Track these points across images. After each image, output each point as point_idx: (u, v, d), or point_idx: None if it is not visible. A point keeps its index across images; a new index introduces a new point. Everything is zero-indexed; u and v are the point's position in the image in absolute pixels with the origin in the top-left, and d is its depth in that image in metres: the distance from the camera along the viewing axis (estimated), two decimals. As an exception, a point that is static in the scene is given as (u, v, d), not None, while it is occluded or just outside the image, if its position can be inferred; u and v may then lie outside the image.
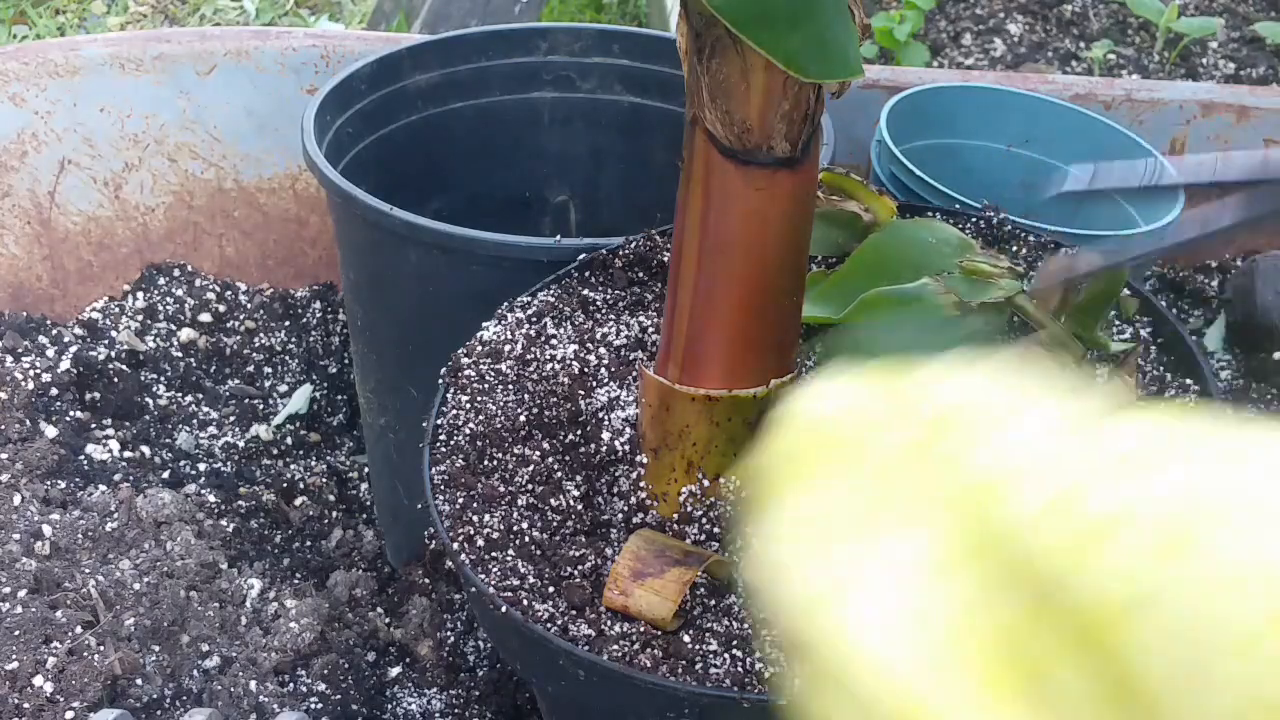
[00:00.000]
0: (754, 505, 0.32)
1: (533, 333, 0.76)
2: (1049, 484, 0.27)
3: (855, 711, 0.27)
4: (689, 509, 0.63)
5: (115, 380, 1.18)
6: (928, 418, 0.29)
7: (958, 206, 0.92)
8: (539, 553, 0.64)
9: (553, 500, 0.66)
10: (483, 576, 0.62)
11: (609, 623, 0.60)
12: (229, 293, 1.32)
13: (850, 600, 0.28)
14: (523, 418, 0.70)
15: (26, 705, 0.83)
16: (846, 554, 0.29)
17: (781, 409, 0.32)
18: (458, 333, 0.76)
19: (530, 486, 0.67)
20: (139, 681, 0.88)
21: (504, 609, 0.60)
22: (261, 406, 1.25)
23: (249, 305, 1.32)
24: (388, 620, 1.05)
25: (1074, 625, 0.25)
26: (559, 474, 0.68)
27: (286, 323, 1.32)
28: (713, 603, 0.62)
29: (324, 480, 1.21)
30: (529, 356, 0.73)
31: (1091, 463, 0.27)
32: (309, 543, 1.14)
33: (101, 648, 0.87)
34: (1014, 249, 0.80)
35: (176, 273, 1.32)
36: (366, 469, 1.23)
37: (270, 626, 0.96)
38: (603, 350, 0.74)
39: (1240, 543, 0.24)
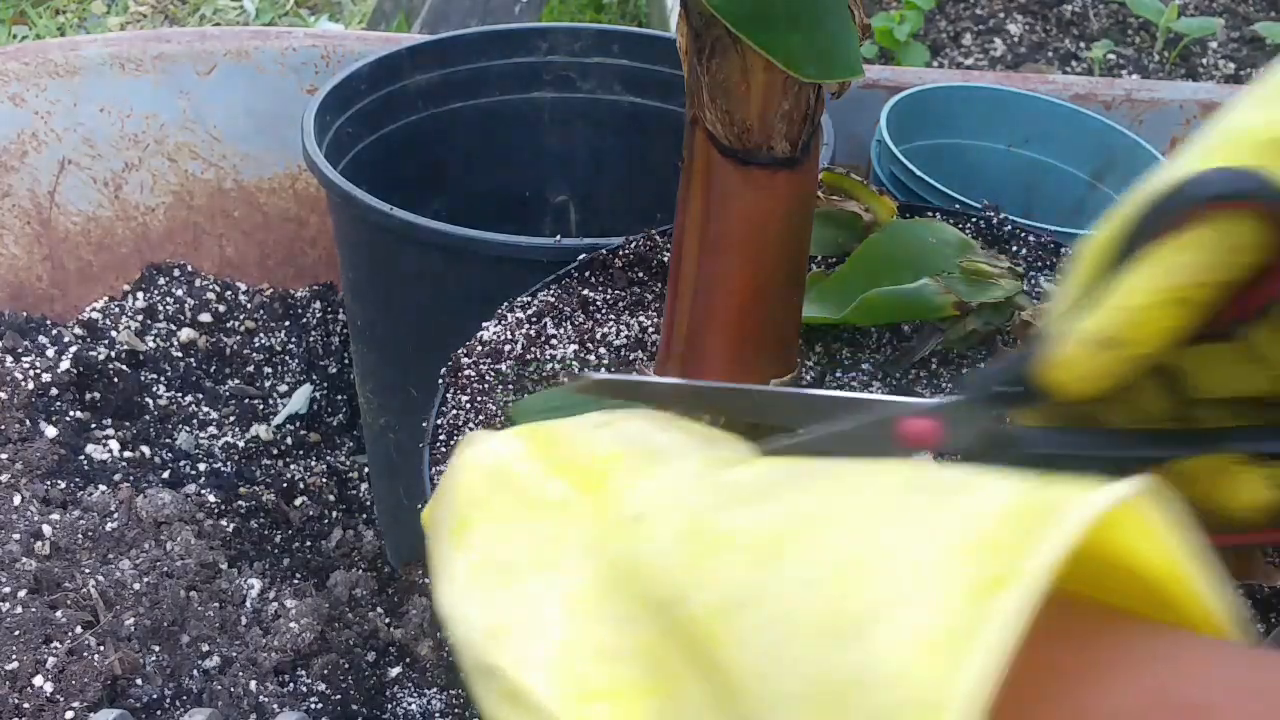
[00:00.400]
0: (436, 545, 0.36)
1: (533, 333, 0.76)
2: (678, 518, 0.30)
3: None
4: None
5: (115, 380, 1.18)
6: (585, 466, 0.33)
7: (958, 206, 0.92)
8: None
9: (553, 500, 0.66)
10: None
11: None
12: (229, 293, 1.32)
13: (515, 634, 0.32)
14: (523, 418, 0.70)
15: (26, 705, 0.83)
16: (513, 592, 0.32)
17: (456, 455, 0.36)
18: (458, 333, 0.76)
19: (530, 486, 0.67)
20: (139, 681, 0.88)
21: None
22: (261, 406, 1.25)
23: (249, 305, 1.32)
24: (388, 620, 1.05)
25: (689, 636, 0.29)
26: (559, 474, 0.68)
27: (286, 323, 1.32)
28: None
29: (324, 480, 1.21)
30: (529, 356, 0.74)
31: (717, 498, 0.30)
32: (309, 543, 1.14)
33: (101, 648, 0.87)
34: (1014, 249, 0.80)
35: (176, 273, 1.32)
36: (366, 469, 1.23)
37: (270, 626, 0.96)
38: (603, 350, 0.74)
39: (822, 548, 0.27)
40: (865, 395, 0.44)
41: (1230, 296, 0.40)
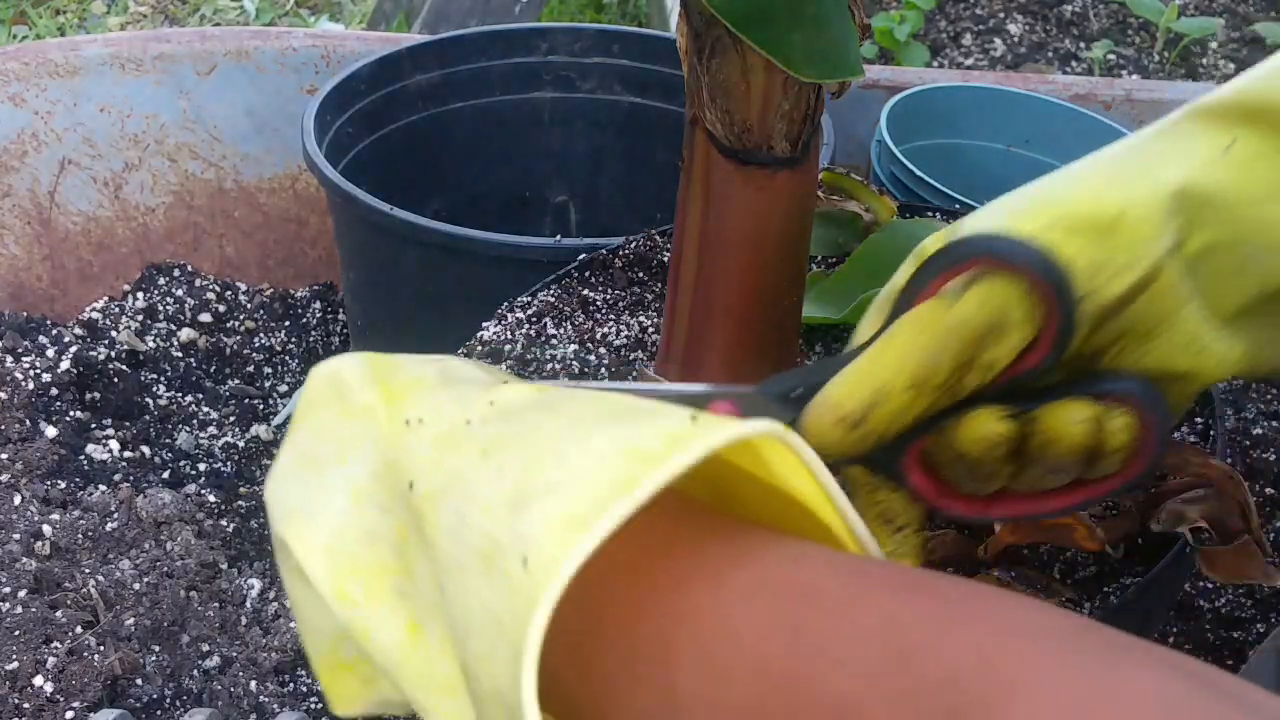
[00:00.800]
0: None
1: (533, 333, 0.76)
2: (442, 425, 0.36)
3: (314, 599, 0.36)
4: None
5: (115, 380, 1.18)
6: (397, 383, 0.39)
7: (958, 206, 0.92)
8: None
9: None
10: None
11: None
12: (229, 293, 1.32)
13: (304, 516, 0.37)
14: (523, 418, 0.70)
15: (26, 705, 0.83)
16: (312, 480, 0.38)
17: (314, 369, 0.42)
18: (458, 333, 0.76)
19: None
20: (139, 681, 0.88)
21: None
22: (261, 406, 1.25)
23: (249, 305, 1.32)
24: (388, 620, 1.05)
25: (417, 517, 0.34)
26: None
27: (286, 323, 1.32)
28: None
29: (324, 480, 1.20)
30: (529, 356, 0.74)
31: (480, 413, 0.35)
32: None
33: (101, 648, 0.87)
34: (1014, 249, 0.80)
35: (176, 273, 1.32)
36: (366, 469, 1.23)
37: (270, 626, 0.96)
38: (603, 350, 0.74)
39: (525, 446, 0.33)
40: (712, 387, 0.48)
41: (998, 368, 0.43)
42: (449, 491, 0.33)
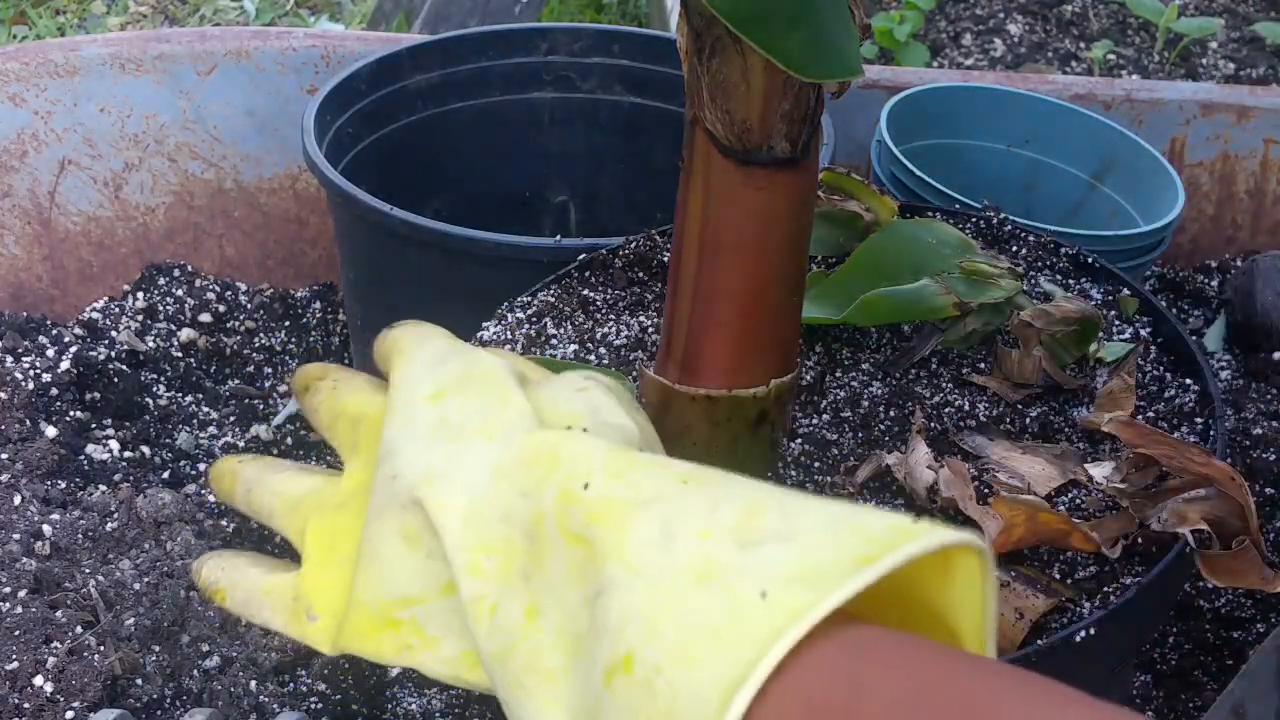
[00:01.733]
0: (406, 400, 0.44)
1: (533, 333, 0.76)
2: (611, 442, 0.38)
3: (414, 561, 0.39)
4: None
5: (115, 380, 1.18)
6: (536, 380, 0.42)
7: (958, 206, 0.92)
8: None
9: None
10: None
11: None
12: (229, 293, 1.32)
13: (448, 480, 0.39)
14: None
15: (26, 705, 0.83)
16: (454, 447, 0.40)
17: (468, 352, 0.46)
18: (458, 333, 0.76)
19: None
20: (139, 681, 0.88)
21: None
22: (261, 407, 1.25)
23: (249, 305, 1.32)
24: (388, 620, 1.05)
25: (584, 515, 0.36)
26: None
27: (286, 323, 1.32)
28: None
29: (324, 480, 1.20)
30: (529, 356, 0.73)
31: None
32: (309, 543, 1.14)
33: (101, 648, 0.87)
34: (1014, 249, 0.80)
35: (176, 273, 1.32)
36: (366, 469, 1.23)
37: (270, 626, 0.96)
38: (603, 350, 0.74)
39: (734, 487, 0.35)
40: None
41: None
42: (649, 505, 0.34)
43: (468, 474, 0.39)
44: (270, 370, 1.29)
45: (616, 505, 0.35)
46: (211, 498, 1.12)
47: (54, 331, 1.23)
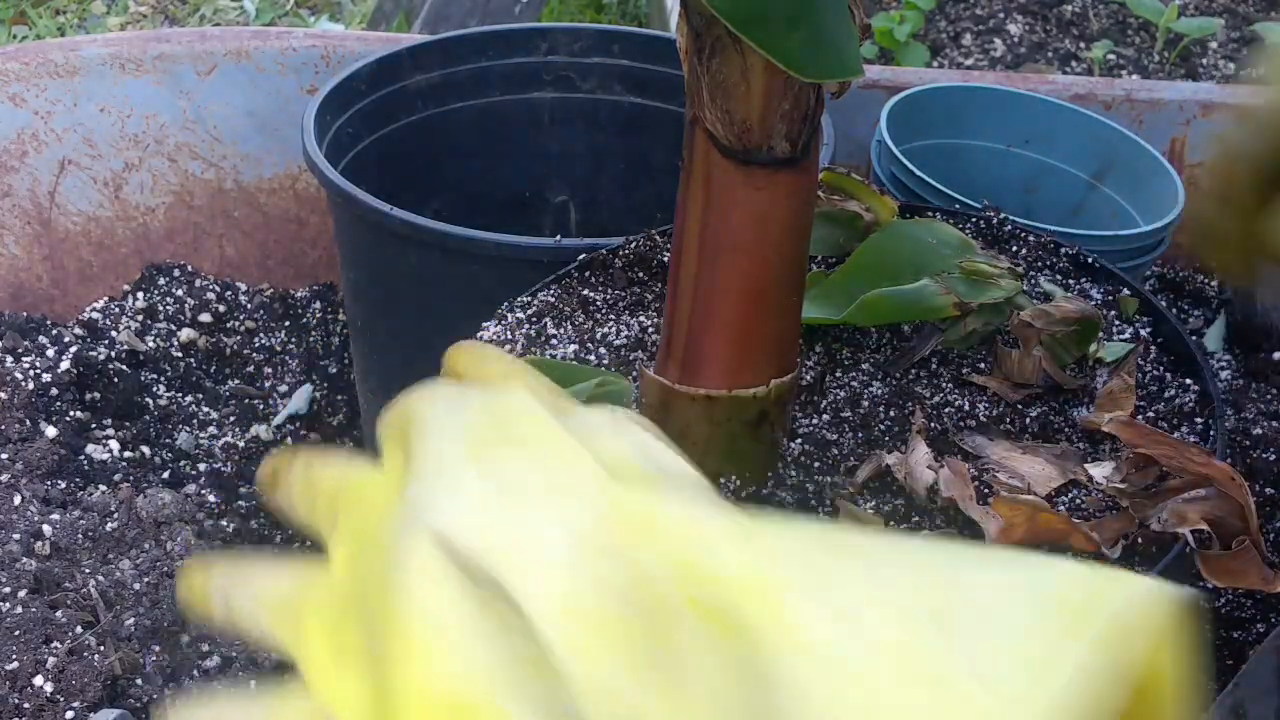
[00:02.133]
0: (440, 454, 0.38)
1: (533, 333, 0.76)
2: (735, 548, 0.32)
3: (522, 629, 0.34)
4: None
5: (115, 380, 1.18)
6: (565, 410, 0.37)
7: (958, 206, 0.92)
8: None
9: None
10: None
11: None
12: (229, 293, 1.32)
13: (519, 553, 0.34)
14: (523, 418, 0.70)
15: (26, 705, 0.83)
16: (520, 515, 0.35)
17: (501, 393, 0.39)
18: (458, 333, 0.76)
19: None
20: (139, 681, 0.88)
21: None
22: (261, 407, 1.25)
23: (249, 305, 1.32)
24: (388, 620, 1.05)
25: (715, 592, 0.31)
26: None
27: (286, 323, 1.32)
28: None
29: (324, 480, 1.20)
30: (529, 356, 0.73)
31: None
32: (309, 543, 1.14)
33: (101, 648, 0.87)
34: (1014, 249, 0.80)
35: (176, 273, 1.32)
36: (366, 469, 1.23)
37: (270, 626, 0.96)
38: (603, 350, 0.74)
39: (910, 554, 0.31)
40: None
41: None
42: (819, 583, 0.31)
43: (548, 543, 0.34)
44: (270, 370, 1.29)
45: (760, 578, 0.31)
46: (212, 497, 1.12)
47: (54, 331, 1.23)
